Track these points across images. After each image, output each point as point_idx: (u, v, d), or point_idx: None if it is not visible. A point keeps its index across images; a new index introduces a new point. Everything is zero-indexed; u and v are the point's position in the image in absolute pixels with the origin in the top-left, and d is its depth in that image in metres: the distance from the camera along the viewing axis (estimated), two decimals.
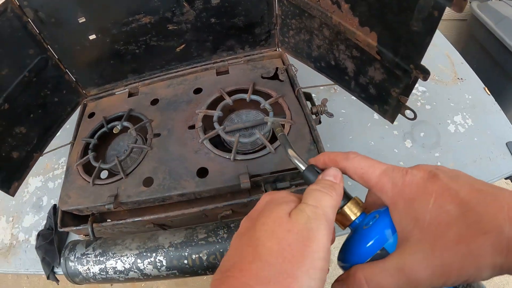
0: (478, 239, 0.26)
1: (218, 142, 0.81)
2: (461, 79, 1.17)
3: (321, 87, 1.03)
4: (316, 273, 0.29)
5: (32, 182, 1.15)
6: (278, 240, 0.30)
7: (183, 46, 0.91)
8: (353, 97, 1.12)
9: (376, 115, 1.06)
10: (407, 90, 0.66)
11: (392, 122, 0.77)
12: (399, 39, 0.59)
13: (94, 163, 0.83)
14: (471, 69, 1.20)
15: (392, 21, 0.58)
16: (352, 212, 0.37)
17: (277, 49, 0.97)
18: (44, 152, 0.97)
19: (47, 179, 1.14)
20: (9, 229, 1.11)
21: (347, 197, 0.38)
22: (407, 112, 0.70)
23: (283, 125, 0.79)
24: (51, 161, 1.17)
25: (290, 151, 0.44)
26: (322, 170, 0.39)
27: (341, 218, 0.38)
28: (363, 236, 0.35)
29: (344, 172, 0.38)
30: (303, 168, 0.41)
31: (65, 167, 1.13)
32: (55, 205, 1.05)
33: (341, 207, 0.37)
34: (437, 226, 0.29)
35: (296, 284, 0.27)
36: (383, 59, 0.66)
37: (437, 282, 0.28)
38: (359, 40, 0.69)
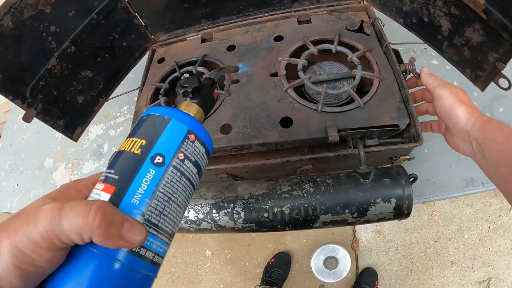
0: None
1: (299, 93, 0.75)
2: None
3: (400, 48, 0.94)
4: None
5: (93, 129, 1.14)
6: None
7: None
8: (433, 61, 1.04)
9: (456, 82, 0.97)
10: (507, 55, 0.60)
11: (482, 90, 0.71)
12: None
13: None
14: None
15: None
16: None
17: (362, 1, 0.88)
18: (110, 97, 0.94)
19: (109, 126, 1.13)
20: (68, 175, 1.12)
21: None
22: (501, 80, 0.64)
23: (371, 80, 0.72)
24: (113, 109, 1.15)
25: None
26: None
27: None
28: None
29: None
30: None
31: (127, 115, 1.11)
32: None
33: None
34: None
35: None
36: (489, 19, 0.60)
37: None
38: None
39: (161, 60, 0.91)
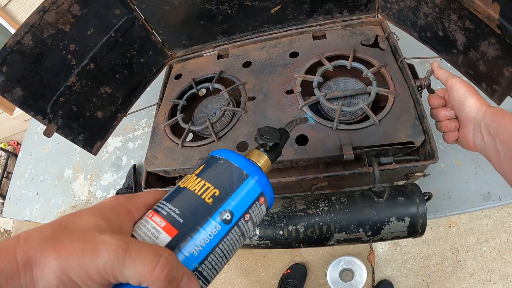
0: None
1: (314, 110, 0.76)
2: None
3: (416, 60, 0.95)
4: None
5: (112, 142, 1.18)
6: None
7: (278, 7, 0.87)
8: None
9: None
10: None
11: (499, 104, 0.71)
12: None
13: (183, 125, 0.81)
14: None
15: None
16: None
17: (377, 16, 0.90)
18: (128, 112, 0.98)
19: (127, 139, 1.16)
20: (87, 186, 1.16)
21: None
22: None
23: (387, 96, 0.73)
24: (131, 122, 1.19)
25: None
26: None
27: None
28: None
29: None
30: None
31: (145, 129, 1.15)
32: (135, 165, 1.06)
33: None
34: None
35: None
36: (503, 34, 0.60)
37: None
38: (478, 11, 0.63)
39: (178, 76, 0.94)
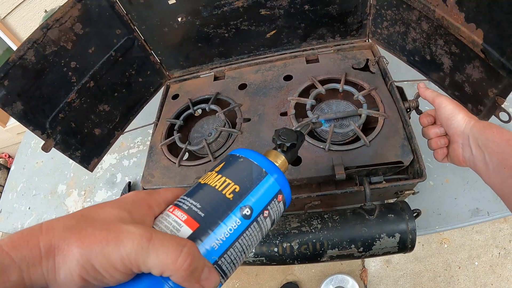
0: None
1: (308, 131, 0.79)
2: None
3: (405, 82, 1.00)
4: None
5: (107, 159, 1.20)
6: None
7: (274, 32, 0.92)
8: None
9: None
10: (506, 91, 0.65)
11: None
12: (507, 38, 0.58)
13: (180, 144, 0.85)
14: None
15: (502, 19, 0.57)
16: None
17: (367, 40, 0.95)
18: (125, 130, 1.01)
19: (122, 157, 1.19)
20: (81, 202, 1.17)
21: None
22: (502, 114, 0.68)
23: (377, 118, 0.77)
24: (126, 139, 1.22)
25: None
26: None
27: None
28: None
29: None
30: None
31: (140, 147, 1.18)
32: (129, 182, 1.08)
33: None
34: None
35: None
36: (487, 58, 0.64)
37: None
38: (463, 37, 0.68)
39: (175, 96, 0.98)
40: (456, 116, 0.60)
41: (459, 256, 1.81)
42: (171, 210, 0.35)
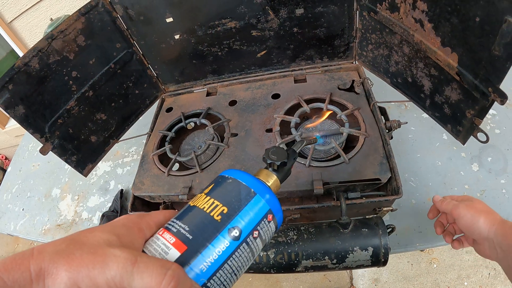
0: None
1: None
2: None
3: (392, 103, 1.05)
4: None
5: (102, 166, 1.26)
6: None
7: (264, 52, 0.99)
8: (423, 115, 1.14)
9: (445, 135, 1.08)
10: (483, 112, 0.68)
11: (463, 143, 0.79)
12: (480, 61, 0.62)
13: (170, 155, 0.91)
14: None
15: (474, 43, 0.61)
16: None
17: (354, 62, 1.02)
18: (120, 139, 1.07)
19: (116, 165, 1.25)
20: (74, 207, 1.23)
21: None
22: (480, 134, 0.72)
23: (357, 137, 0.83)
24: (121, 148, 1.28)
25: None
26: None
27: None
28: None
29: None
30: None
31: (134, 156, 1.24)
32: (122, 189, 1.14)
33: None
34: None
35: None
36: (462, 80, 0.69)
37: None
38: (440, 60, 0.72)
39: (169, 109, 1.04)
40: (477, 222, 0.64)
41: (448, 276, 1.84)
42: (160, 233, 0.36)
